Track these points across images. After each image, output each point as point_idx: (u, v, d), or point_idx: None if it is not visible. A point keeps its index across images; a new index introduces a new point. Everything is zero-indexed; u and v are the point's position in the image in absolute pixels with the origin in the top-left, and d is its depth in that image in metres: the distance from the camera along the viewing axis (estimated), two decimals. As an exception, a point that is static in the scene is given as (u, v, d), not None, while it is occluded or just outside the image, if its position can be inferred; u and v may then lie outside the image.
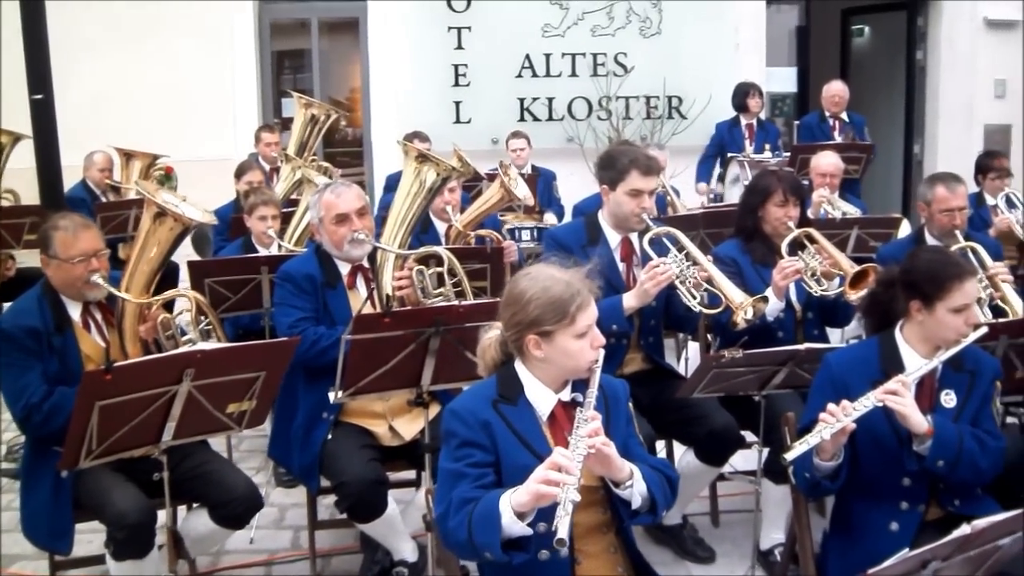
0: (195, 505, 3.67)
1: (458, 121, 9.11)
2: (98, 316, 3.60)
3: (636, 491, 2.43)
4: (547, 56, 9.17)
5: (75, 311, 3.55)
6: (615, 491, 2.43)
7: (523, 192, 5.14)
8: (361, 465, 3.67)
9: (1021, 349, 3.66)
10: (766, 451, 3.78)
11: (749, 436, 4.02)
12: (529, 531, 2.24)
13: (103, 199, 7.29)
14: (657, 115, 9.20)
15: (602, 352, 2.53)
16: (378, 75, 9.51)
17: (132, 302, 3.49)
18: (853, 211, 6.21)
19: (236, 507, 3.50)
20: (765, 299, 3.85)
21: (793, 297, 4.16)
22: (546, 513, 2.24)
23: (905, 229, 5.90)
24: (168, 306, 3.87)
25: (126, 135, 7.81)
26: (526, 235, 6.86)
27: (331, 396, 3.21)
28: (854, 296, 3.92)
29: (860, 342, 3.14)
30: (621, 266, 4.19)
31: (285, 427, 3.92)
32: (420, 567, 3.97)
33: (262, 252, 5.16)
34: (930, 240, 4.57)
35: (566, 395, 2.55)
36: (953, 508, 2.95)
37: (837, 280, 4.09)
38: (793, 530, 3.18)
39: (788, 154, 7.72)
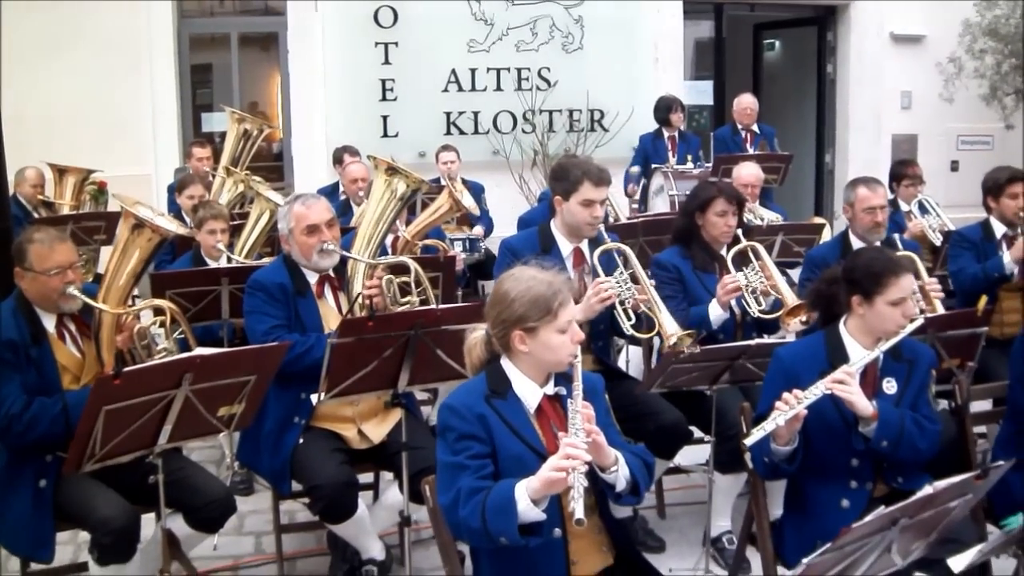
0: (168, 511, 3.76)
1: (385, 135, 9.22)
2: (72, 327, 3.65)
3: (621, 475, 2.64)
4: (472, 71, 9.35)
5: (50, 323, 3.59)
6: (601, 475, 2.64)
7: (469, 203, 5.32)
8: (334, 468, 3.80)
9: (945, 341, 4.01)
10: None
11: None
12: (543, 516, 2.44)
13: (35, 215, 7.21)
14: (580, 128, 9.46)
15: (579, 347, 2.74)
16: (298, 89, 9.53)
17: (109, 312, 3.55)
18: (775, 218, 6.56)
19: (212, 511, 3.60)
20: (692, 335, 3.92)
21: (733, 303, 4.38)
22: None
23: (826, 235, 6.28)
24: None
25: (48, 151, 7.68)
26: (459, 246, 7.03)
27: (314, 398, 3.33)
28: (790, 324, 4.18)
29: (807, 336, 3.41)
30: (573, 274, 4.39)
31: (255, 432, 4.00)
32: (388, 565, 4.11)
33: (212, 264, 5.23)
34: (854, 240, 4.88)
35: (550, 389, 2.76)
36: (897, 485, 3.24)
37: (772, 298, 4.34)
38: (750, 511, 3.43)
39: (709, 165, 8.08)
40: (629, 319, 4.04)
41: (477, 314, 3.33)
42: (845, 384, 3.06)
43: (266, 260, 5.45)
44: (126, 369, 2.73)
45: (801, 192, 10.32)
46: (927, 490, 2.21)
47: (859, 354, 3.23)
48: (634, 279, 4.10)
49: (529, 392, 2.72)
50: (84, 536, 3.75)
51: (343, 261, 4.09)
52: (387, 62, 9.17)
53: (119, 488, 3.47)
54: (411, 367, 3.37)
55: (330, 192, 7.56)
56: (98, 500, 3.41)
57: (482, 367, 2.79)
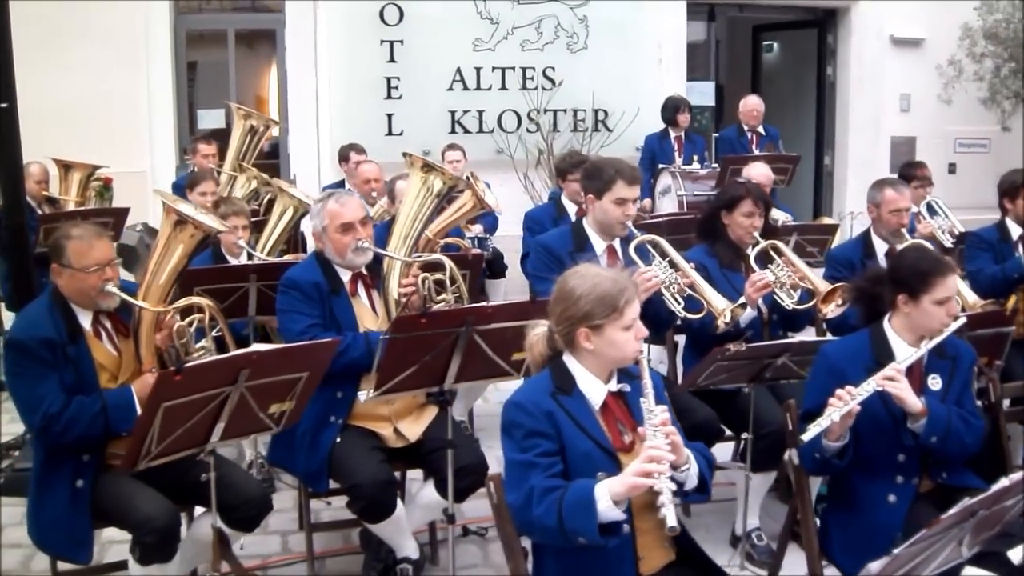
0: (201, 511, 3.74)
1: (390, 133, 9.20)
2: (108, 325, 3.61)
3: (692, 473, 2.66)
4: (478, 70, 9.35)
5: (86, 320, 3.55)
6: (674, 474, 2.64)
7: (492, 200, 5.32)
8: (373, 467, 3.79)
9: (974, 340, 4.05)
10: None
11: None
12: (623, 516, 2.45)
13: (39, 211, 7.13)
14: (584, 128, 9.48)
15: (643, 343, 2.76)
16: (296, 86, 9.53)
17: (149, 311, 3.53)
18: (787, 218, 6.61)
19: (249, 509, 3.57)
20: (744, 305, 4.11)
21: (760, 301, 4.45)
22: None
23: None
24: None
25: (43, 148, 7.58)
26: (469, 244, 7.02)
27: (362, 396, 3.32)
28: (826, 310, 4.23)
29: (852, 334, 3.43)
30: (608, 271, 4.43)
31: (288, 431, 3.98)
32: (422, 563, 4.11)
33: (233, 261, 5.21)
34: (876, 240, 4.92)
35: (613, 385, 2.77)
36: (942, 480, 3.28)
37: (800, 292, 4.39)
38: (794, 507, 3.45)
39: (716, 165, 8.13)
40: (678, 303, 4.07)
41: (527, 312, 3.34)
42: (896, 381, 3.09)
43: (288, 257, 5.45)
44: (187, 365, 2.71)
45: (800, 193, 10.37)
46: (1003, 482, 2.24)
47: (904, 351, 3.27)
48: (673, 265, 4.14)
49: (594, 389, 2.72)
50: (107, 535, 3.73)
51: (376, 259, 4.08)
52: (392, 60, 9.15)
53: (156, 486, 3.45)
54: (459, 364, 3.36)
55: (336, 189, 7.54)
56: (139, 499, 3.38)
57: (544, 364, 2.79)
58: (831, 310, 4.25)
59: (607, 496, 2.44)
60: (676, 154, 8.52)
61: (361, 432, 3.92)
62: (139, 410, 3.43)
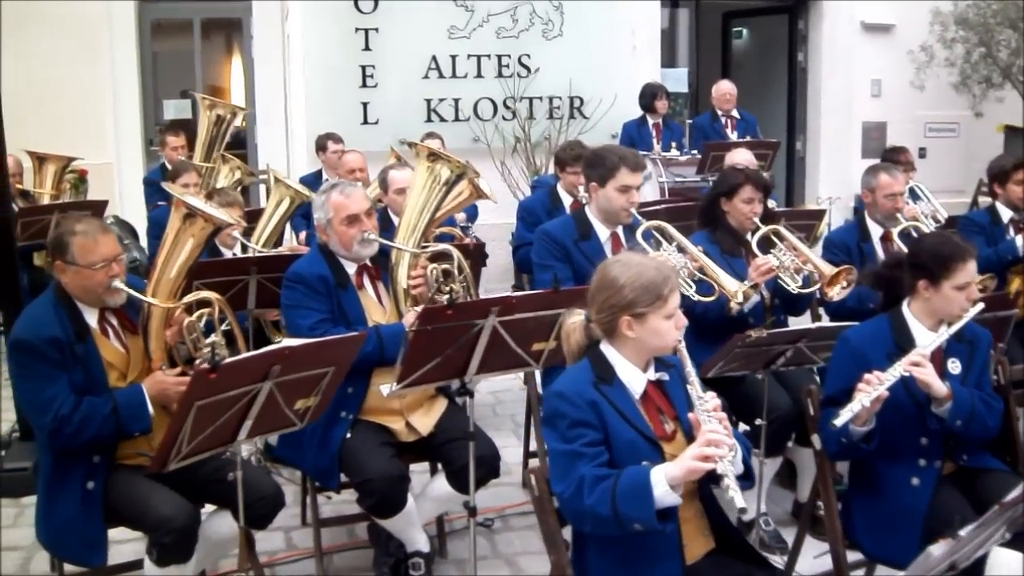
0: (212, 508, 3.67)
1: (366, 122, 9.10)
2: (115, 322, 3.52)
3: (738, 459, 2.65)
4: (453, 58, 9.27)
5: (92, 318, 3.45)
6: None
7: (488, 189, 5.26)
8: (384, 462, 3.75)
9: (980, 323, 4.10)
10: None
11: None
12: (680, 501, 2.43)
13: (14, 206, 6.94)
14: (560, 115, 9.45)
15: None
16: (263, 75, 9.40)
17: (159, 307, 3.44)
18: (772, 204, 6.63)
19: (263, 507, 3.51)
20: (755, 286, 4.13)
21: (762, 285, 4.44)
22: None
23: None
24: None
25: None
26: (460, 233, 6.97)
27: (384, 390, 3.28)
28: (831, 293, 4.25)
29: (872, 319, 3.45)
30: (612, 259, 4.41)
31: (297, 427, 3.94)
32: (432, 556, 4.07)
33: (227, 253, 5.13)
34: (871, 224, 4.96)
35: (652, 375, 2.75)
36: (962, 462, 3.32)
37: (804, 274, 4.41)
38: (815, 491, 3.47)
39: (695, 152, 8.14)
40: (690, 287, 4.07)
41: (551, 302, 3.32)
42: (921, 366, 3.11)
43: (283, 249, 5.37)
44: (225, 361, 2.64)
45: (772, 178, 10.41)
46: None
47: (923, 336, 3.30)
48: (680, 249, 4.14)
49: (634, 378, 2.71)
50: (111, 535, 3.64)
51: (381, 250, 4.02)
52: (367, 48, 9.04)
53: (168, 484, 3.37)
54: (481, 356, 3.32)
55: (312, 180, 7.46)
56: (155, 499, 3.30)
57: (581, 353, 2.77)
58: (836, 293, 4.27)
59: (663, 481, 2.43)
60: (655, 141, 8.53)
61: (371, 427, 3.88)
62: (151, 409, 3.38)
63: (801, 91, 10.47)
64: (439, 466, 4.09)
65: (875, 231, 4.96)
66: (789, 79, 10.59)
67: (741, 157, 6.56)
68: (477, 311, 3.17)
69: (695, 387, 2.61)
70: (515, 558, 4.40)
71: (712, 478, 2.67)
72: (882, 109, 10.18)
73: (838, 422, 3.03)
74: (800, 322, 5.25)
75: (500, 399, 6.37)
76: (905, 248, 4.66)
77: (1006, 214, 5.27)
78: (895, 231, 4.86)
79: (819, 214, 6.25)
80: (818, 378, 4.19)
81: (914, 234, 4.80)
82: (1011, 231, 5.17)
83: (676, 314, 2.68)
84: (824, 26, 10.11)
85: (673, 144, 8.46)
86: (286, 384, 2.89)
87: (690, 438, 2.69)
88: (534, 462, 4.86)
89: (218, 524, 3.59)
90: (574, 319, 2.80)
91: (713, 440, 2.42)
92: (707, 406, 2.54)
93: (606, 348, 2.73)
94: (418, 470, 4.25)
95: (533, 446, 4.86)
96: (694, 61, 11.52)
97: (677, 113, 10.08)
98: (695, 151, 8.16)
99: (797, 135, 10.40)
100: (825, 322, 3.86)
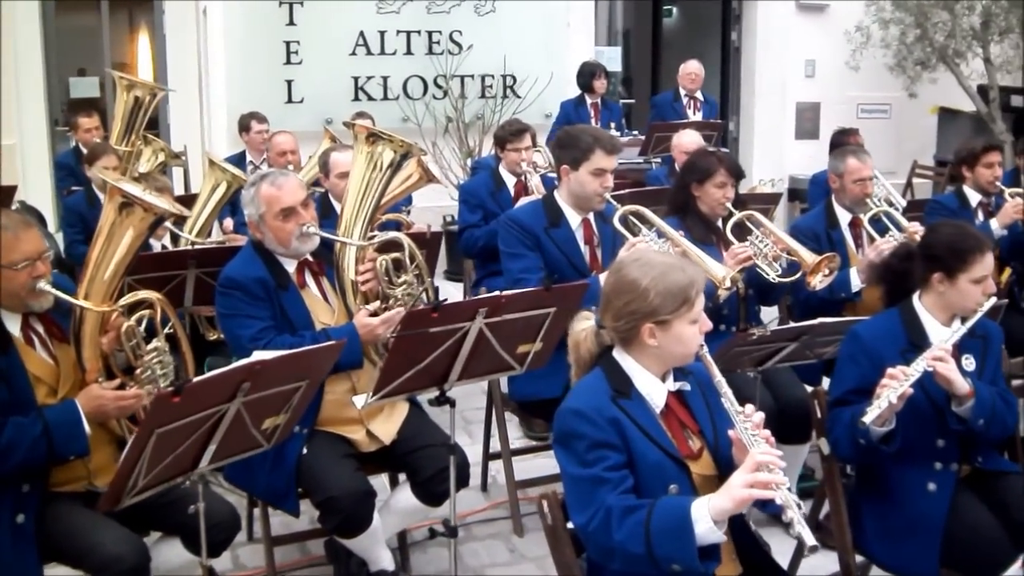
0: (158, 535, 3.28)
1: (290, 101, 8.66)
2: (40, 329, 3.07)
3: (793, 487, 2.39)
4: (382, 34, 8.86)
5: (14, 326, 3.00)
6: None
7: (437, 171, 4.94)
8: (347, 477, 3.41)
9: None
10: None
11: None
12: (724, 538, 2.14)
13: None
14: (492, 94, 9.11)
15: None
16: (176, 52, 8.93)
17: (93, 311, 3.01)
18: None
19: (218, 533, 3.13)
20: (742, 270, 3.91)
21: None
22: None
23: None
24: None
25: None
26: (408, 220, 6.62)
27: (359, 402, 2.93)
28: (814, 282, 4.05)
29: (881, 313, 3.24)
30: (584, 248, 4.14)
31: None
32: (396, 574, 3.75)
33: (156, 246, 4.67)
34: (839, 209, 4.77)
35: (671, 385, 2.47)
36: (978, 464, 3.14)
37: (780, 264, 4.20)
38: (821, 494, 3.25)
39: (636, 133, 7.92)
40: None
41: (541, 300, 3.02)
42: (944, 361, 2.91)
43: (217, 239, 4.94)
44: (187, 383, 2.25)
45: (706, 159, 10.29)
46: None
47: (936, 331, 3.10)
48: (660, 235, 3.88)
49: (654, 389, 2.42)
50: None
51: (323, 242, 3.63)
52: (291, 23, 8.57)
53: (116, 518, 2.96)
54: (464, 361, 2.99)
55: (236, 161, 6.99)
56: (100, 535, 2.88)
57: (591, 363, 2.47)
58: (819, 281, 4.08)
59: (708, 516, 2.14)
60: (593, 121, 8.29)
61: (329, 438, 3.51)
62: (87, 427, 2.96)
63: (735, 71, 10.33)
64: (401, 477, 3.77)
65: (843, 217, 4.76)
66: (722, 59, 10.43)
67: (689, 139, 6.37)
68: (464, 313, 2.84)
69: (730, 399, 2.32)
70: (484, 570, 4.11)
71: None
72: (816, 89, 10.09)
73: (867, 419, 2.80)
74: (772, 313, 5.10)
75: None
76: (877, 235, 4.53)
77: (974, 197, 5.16)
78: (865, 217, 4.68)
79: (774, 198, 6.08)
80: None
81: (885, 220, 4.64)
82: (980, 215, 5.06)
83: (701, 318, 2.40)
84: (759, 6, 9.96)
85: (612, 124, 8.22)
86: (255, 402, 2.52)
87: (716, 455, 2.43)
88: (495, 464, 4.57)
89: (168, 554, 3.21)
90: (583, 326, 2.50)
91: (764, 462, 2.13)
92: (749, 423, 2.25)
93: (620, 356, 2.44)
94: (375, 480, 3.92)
95: (494, 446, 4.56)
96: (624, 40, 11.27)
97: (611, 93, 9.85)
98: (636, 132, 7.94)
99: (731, 116, 10.25)
100: (827, 318, 3.63)
